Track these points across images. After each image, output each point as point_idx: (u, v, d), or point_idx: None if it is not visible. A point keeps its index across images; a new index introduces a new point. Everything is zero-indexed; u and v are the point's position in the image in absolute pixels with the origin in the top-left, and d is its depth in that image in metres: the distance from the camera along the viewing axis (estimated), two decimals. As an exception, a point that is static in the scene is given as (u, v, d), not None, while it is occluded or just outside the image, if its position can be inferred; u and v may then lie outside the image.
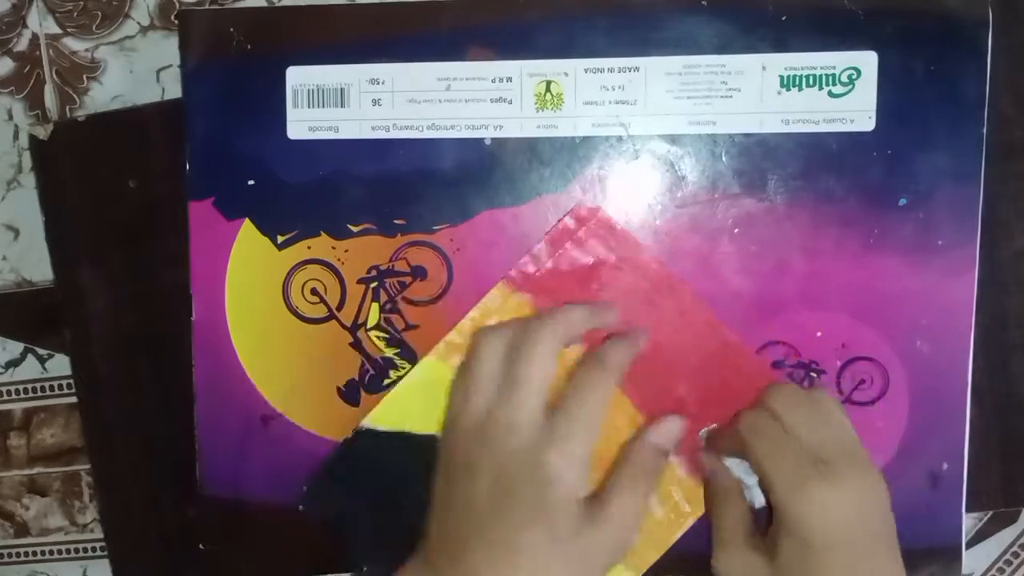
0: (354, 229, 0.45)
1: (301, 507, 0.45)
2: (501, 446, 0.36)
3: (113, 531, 0.50)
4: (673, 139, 0.43)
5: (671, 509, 0.42)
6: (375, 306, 0.45)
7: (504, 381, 0.37)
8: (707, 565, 0.42)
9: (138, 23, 0.49)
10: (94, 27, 0.49)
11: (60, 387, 0.52)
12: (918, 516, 0.43)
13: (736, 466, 0.41)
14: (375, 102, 0.44)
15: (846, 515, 0.36)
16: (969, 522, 0.49)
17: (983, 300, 0.42)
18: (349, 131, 0.44)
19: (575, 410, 0.36)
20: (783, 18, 0.42)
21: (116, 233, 0.48)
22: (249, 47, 0.44)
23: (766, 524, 0.39)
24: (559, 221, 0.43)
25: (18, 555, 0.54)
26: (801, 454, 0.37)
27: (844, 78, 0.41)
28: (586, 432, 0.36)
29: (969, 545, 0.49)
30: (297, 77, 0.44)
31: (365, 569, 0.44)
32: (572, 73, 0.43)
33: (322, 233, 0.45)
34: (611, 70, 0.43)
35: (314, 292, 0.45)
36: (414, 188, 0.44)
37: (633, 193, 0.43)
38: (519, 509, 0.35)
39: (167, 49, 0.48)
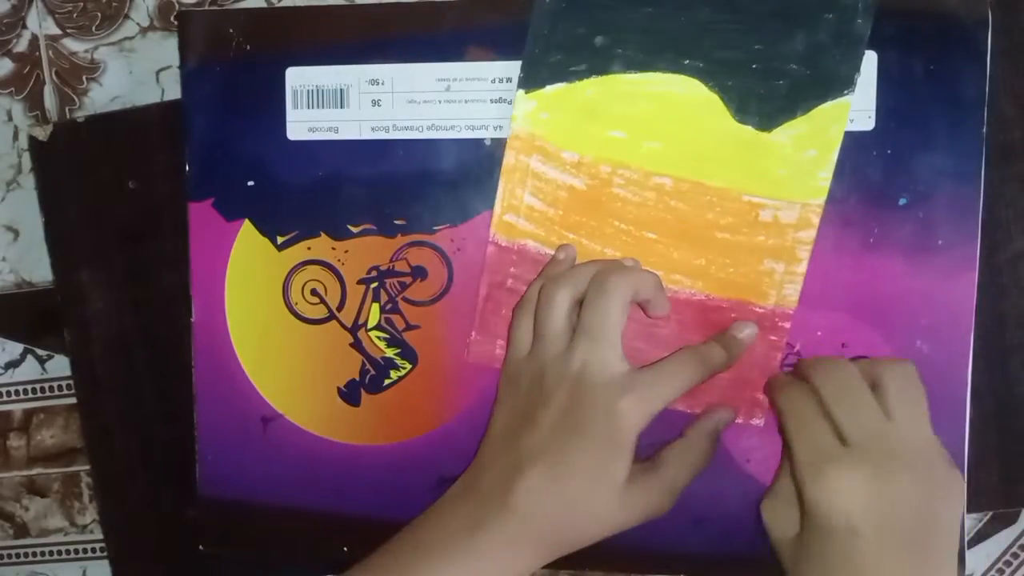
0: (354, 230, 0.45)
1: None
2: (581, 378, 0.38)
3: (113, 532, 0.50)
4: (673, 139, 0.43)
5: None
6: (375, 306, 0.45)
7: (581, 326, 0.39)
8: (712, 566, 0.42)
9: (137, 24, 0.49)
10: (94, 28, 0.49)
11: (60, 388, 0.52)
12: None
13: None
14: (375, 103, 0.44)
15: (860, 504, 0.34)
16: (969, 523, 0.49)
17: (982, 302, 0.42)
18: (349, 132, 0.44)
19: (665, 369, 0.38)
20: (783, 18, 0.42)
21: (116, 233, 0.48)
22: (249, 48, 0.44)
23: None
24: None
25: (18, 556, 0.54)
26: (827, 435, 0.36)
27: (844, 78, 0.41)
28: (668, 391, 0.38)
29: (969, 546, 0.49)
30: (296, 78, 0.44)
31: None
32: (572, 73, 0.43)
33: (322, 234, 0.45)
34: (611, 70, 0.43)
35: (314, 293, 0.45)
36: (414, 189, 0.44)
37: (633, 193, 0.43)
38: (588, 437, 0.37)
39: (167, 50, 0.48)
